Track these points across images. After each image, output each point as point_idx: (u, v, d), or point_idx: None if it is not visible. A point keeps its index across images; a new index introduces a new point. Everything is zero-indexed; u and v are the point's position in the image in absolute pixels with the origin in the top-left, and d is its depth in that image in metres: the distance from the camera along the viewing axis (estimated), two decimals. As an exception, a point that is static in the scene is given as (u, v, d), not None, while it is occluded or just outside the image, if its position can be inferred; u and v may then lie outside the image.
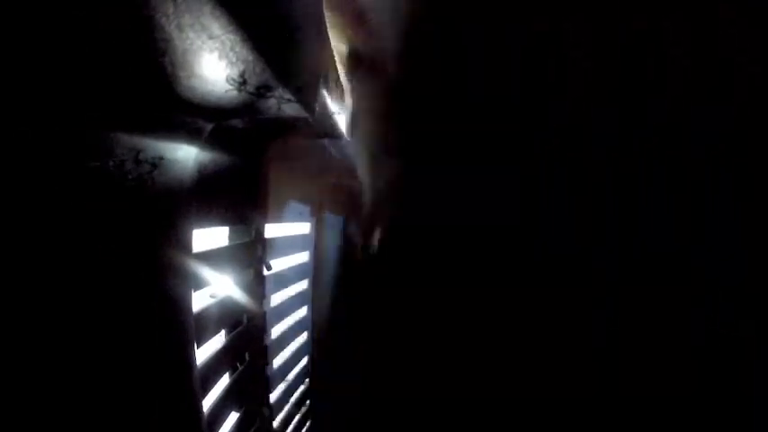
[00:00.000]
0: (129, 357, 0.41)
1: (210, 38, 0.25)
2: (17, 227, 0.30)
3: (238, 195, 0.63)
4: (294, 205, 0.85)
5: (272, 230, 0.72)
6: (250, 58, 0.29)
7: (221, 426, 0.57)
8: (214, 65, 0.28)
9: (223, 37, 0.25)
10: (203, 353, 0.54)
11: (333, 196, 1.02)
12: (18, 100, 0.28)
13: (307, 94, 0.40)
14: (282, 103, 0.39)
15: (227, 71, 0.30)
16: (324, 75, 0.44)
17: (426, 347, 1.19)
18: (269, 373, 0.73)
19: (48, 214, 0.32)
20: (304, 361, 0.95)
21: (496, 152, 0.90)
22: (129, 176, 0.38)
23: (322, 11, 0.44)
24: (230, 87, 0.32)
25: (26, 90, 0.28)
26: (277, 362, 0.78)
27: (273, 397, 0.76)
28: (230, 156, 0.56)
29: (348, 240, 1.16)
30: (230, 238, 0.63)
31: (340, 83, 0.60)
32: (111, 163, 0.36)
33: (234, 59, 0.28)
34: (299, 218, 0.89)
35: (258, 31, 0.27)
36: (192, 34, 0.24)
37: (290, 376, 0.87)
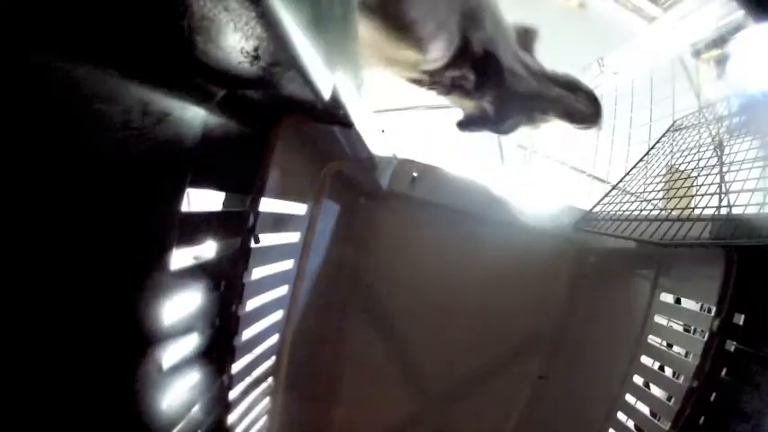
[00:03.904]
0: (96, 300, 0.42)
1: (226, 10, 0.25)
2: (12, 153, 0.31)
3: (240, 164, 0.63)
4: (294, 185, 0.85)
5: (267, 205, 0.73)
6: (264, 35, 0.29)
7: (176, 384, 0.57)
8: (229, 35, 0.29)
9: (239, 11, 0.26)
10: (174, 310, 0.55)
11: (333, 184, 1.02)
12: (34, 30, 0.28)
13: (318, 80, 0.41)
14: (292, 85, 0.40)
15: (242, 44, 0.31)
16: (338, 64, 0.45)
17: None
18: (236, 343, 0.74)
19: (43, 144, 0.33)
20: (274, 339, 0.96)
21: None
22: (133, 125, 0.39)
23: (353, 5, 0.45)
24: (243, 59, 0.33)
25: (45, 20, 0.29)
26: (246, 334, 0.79)
27: (236, 368, 0.77)
28: (239, 125, 0.57)
29: (341, 229, 1.17)
30: (224, 203, 0.64)
31: (360, 74, 0.61)
32: (117, 108, 0.37)
33: (248, 34, 0.29)
34: (296, 198, 0.89)
35: (274, 11, 0.28)
36: (209, 3, 0.25)
37: (258, 350, 0.87)
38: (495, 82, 0.81)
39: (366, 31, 0.66)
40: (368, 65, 0.76)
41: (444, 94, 0.86)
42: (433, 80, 0.82)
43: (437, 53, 0.73)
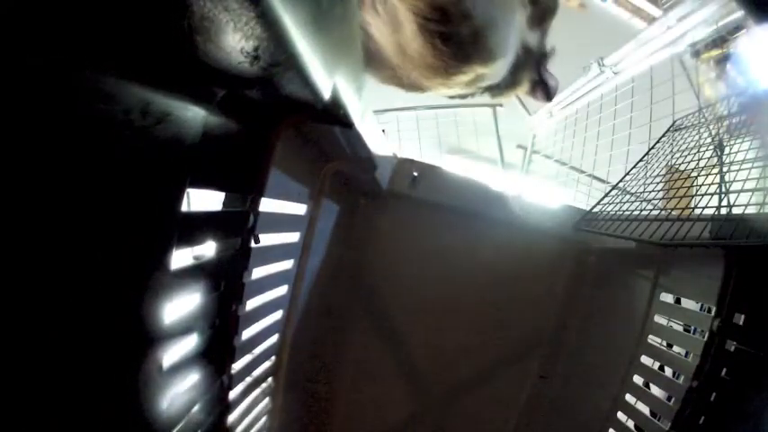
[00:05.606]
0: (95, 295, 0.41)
1: (226, 10, 0.25)
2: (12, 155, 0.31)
3: (240, 164, 0.63)
4: (294, 185, 0.85)
5: (267, 205, 0.73)
6: (264, 35, 0.29)
7: (176, 384, 0.57)
8: (229, 35, 0.29)
9: (239, 11, 0.26)
10: (174, 310, 0.55)
11: (333, 184, 1.02)
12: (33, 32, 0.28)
13: (318, 81, 0.41)
14: (292, 85, 0.40)
15: (242, 44, 0.31)
16: (338, 64, 0.45)
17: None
18: (236, 343, 0.74)
19: (44, 146, 0.33)
20: (274, 339, 0.96)
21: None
22: (133, 125, 0.39)
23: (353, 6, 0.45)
24: (243, 59, 0.33)
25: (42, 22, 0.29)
26: (246, 334, 0.79)
27: (236, 368, 0.77)
28: (239, 124, 0.57)
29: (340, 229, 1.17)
30: (224, 203, 0.64)
31: (360, 74, 0.61)
32: (117, 108, 0.37)
33: (248, 34, 0.29)
34: (296, 198, 0.89)
35: (274, 11, 0.28)
36: (209, 3, 0.25)
37: (258, 350, 0.87)
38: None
39: (428, 52, 0.67)
40: (419, 85, 0.77)
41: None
42: (467, 94, 0.84)
43: (500, 72, 0.76)
